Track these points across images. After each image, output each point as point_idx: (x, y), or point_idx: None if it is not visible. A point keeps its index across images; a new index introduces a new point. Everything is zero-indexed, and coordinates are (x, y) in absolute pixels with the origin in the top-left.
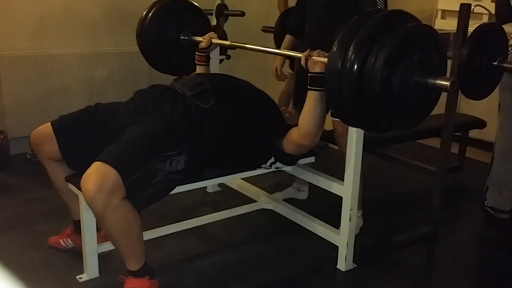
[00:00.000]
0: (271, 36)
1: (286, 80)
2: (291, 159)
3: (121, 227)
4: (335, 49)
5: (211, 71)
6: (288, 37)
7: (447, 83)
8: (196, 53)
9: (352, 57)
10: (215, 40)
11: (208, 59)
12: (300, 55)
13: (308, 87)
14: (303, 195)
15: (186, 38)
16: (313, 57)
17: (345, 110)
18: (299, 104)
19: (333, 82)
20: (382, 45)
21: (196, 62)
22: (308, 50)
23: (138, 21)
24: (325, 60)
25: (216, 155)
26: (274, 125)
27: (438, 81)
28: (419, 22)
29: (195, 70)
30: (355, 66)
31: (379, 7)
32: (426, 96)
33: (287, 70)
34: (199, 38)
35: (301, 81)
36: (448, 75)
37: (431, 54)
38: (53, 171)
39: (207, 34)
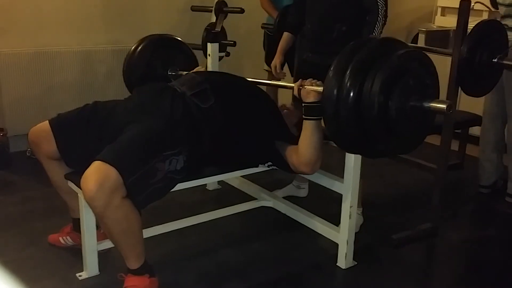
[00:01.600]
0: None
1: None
2: (288, 170)
3: (121, 226)
4: (330, 78)
5: (211, 69)
6: (286, 34)
7: (443, 106)
8: None
9: (348, 85)
10: None
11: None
12: (293, 85)
13: (304, 116)
14: (303, 192)
15: (173, 73)
16: (305, 87)
17: (343, 136)
18: (298, 101)
19: (330, 109)
20: (376, 72)
21: None
22: (300, 80)
23: (125, 58)
24: (318, 88)
25: (215, 154)
26: (272, 123)
27: (433, 104)
28: (409, 48)
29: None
30: (352, 93)
31: (379, 4)
32: (422, 120)
33: (264, 67)
34: (189, 73)
35: (301, 78)
36: (448, 72)
37: (424, 78)
38: (51, 170)
39: (196, 69)
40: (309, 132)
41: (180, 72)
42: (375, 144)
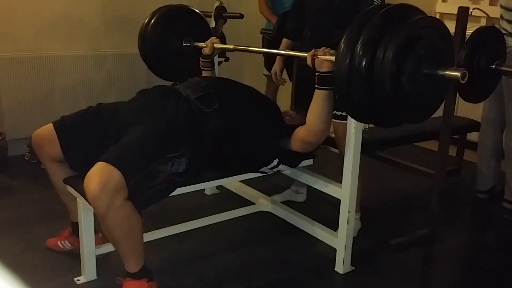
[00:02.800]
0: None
1: (267, 82)
2: (294, 160)
3: (123, 228)
4: (342, 48)
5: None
6: (285, 41)
7: (458, 74)
8: (201, 59)
9: (360, 54)
10: (217, 45)
11: (213, 64)
12: (306, 55)
13: (316, 86)
14: (301, 197)
15: (188, 44)
16: (319, 56)
17: (355, 108)
18: (299, 105)
19: (342, 81)
20: (389, 41)
21: (201, 68)
22: (313, 49)
23: (140, 30)
24: (332, 58)
25: (218, 159)
26: (276, 130)
27: (448, 72)
28: (424, 15)
29: (199, 75)
30: (364, 63)
31: (375, 1)
32: (436, 88)
33: (264, 72)
34: (201, 44)
35: (301, 82)
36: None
37: (439, 45)
38: (54, 172)
39: (209, 40)
40: (320, 101)
41: (195, 44)
42: (387, 113)
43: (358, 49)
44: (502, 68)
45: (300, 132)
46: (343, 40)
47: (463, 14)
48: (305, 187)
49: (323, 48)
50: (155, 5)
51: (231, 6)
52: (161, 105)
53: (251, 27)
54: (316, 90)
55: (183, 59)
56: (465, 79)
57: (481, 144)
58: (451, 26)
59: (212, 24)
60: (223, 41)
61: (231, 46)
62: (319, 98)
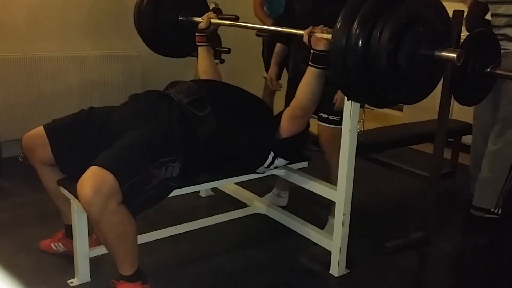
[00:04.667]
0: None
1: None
2: (289, 151)
3: (116, 232)
4: (339, 26)
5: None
6: (279, 46)
7: (454, 55)
8: (196, 34)
9: (357, 32)
10: (214, 20)
11: (208, 39)
12: (302, 32)
13: (310, 63)
14: (283, 201)
15: (184, 19)
16: (316, 34)
17: (351, 86)
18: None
19: (338, 59)
20: (387, 20)
21: (197, 43)
22: (311, 26)
23: (135, 4)
24: (329, 36)
25: (212, 162)
26: (268, 125)
27: (444, 53)
28: None
29: (196, 51)
30: (360, 42)
31: None
32: (432, 69)
33: (263, 74)
34: (198, 19)
35: (294, 86)
36: (441, 81)
37: (436, 26)
38: (45, 175)
39: (206, 14)
40: (311, 79)
41: (191, 18)
42: (383, 93)
43: (356, 25)
44: (497, 71)
45: (287, 111)
46: (340, 16)
47: (457, 18)
48: (287, 191)
49: (321, 26)
50: None
51: (226, 8)
52: (154, 110)
53: (247, 29)
54: (309, 67)
55: (180, 34)
56: (461, 60)
57: (473, 151)
58: None
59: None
60: (219, 43)
61: (228, 22)
62: (311, 75)
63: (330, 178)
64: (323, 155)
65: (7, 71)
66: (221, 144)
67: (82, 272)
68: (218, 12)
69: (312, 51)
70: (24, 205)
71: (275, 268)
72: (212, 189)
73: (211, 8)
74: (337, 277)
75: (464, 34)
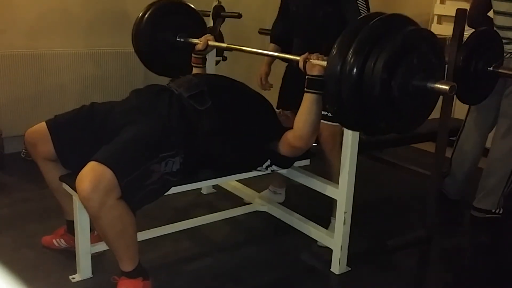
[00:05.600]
0: (268, 38)
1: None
2: (286, 162)
3: (115, 227)
4: (334, 53)
5: (210, 67)
6: (272, 46)
7: (446, 87)
8: (193, 55)
9: (352, 60)
10: (211, 42)
11: (204, 61)
12: (298, 58)
13: (305, 89)
14: (280, 198)
15: (182, 40)
16: (311, 60)
17: (344, 113)
18: (283, 106)
19: (332, 86)
20: (382, 49)
21: (192, 64)
22: (306, 53)
23: (134, 22)
24: (324, 63)
25: (212, 157)
26: (270, 128)
27: (437, 85)
28: (418, 26)
29: (191, 72)
30: (355, 70)
31: (361, 12)
32: (424, 100)
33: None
34: (195, 40)
35: (287, 84)
36: (445, 77)
37: (430, 58)
38: (47, 171)
39: (204, 36)
40: (308, 104)
41: (189, 39)
42: (376, 121)
43: (351, 54)
44: (500, 70)
45: (288, 137)
46: (336, 44)
47: (461, 16)
48: (283, 188)
49: (316, 53)
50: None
51: (229, 5)
52: (154, 104)
53: (250, 27)
54: (305, 94)
55: (177, 54)
56: (453, 92)
57: (461, 150)
58: (449, 28)
59: (210, 23)
60: (221, 40)
61: (225, 45)
62: (307, 102)
63: (331, 176)
64: (322, 153)
65: (10, 67)
66: (221, 139)
67: (84, 268)
68: (221, 9)
69: (307, 76)
70: (26, 201)
71: (276, 265)
72: (214, 186)
73: (213, 5)
74: (338, 275)
75: (467, 33)
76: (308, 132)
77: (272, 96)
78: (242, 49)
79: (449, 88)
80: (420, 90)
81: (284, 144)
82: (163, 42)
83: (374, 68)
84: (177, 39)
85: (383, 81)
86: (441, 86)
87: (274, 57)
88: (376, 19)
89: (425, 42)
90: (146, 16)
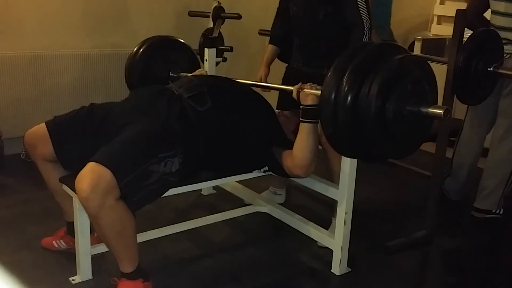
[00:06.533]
0: (268, 39)
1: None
2: (284, 174)
3: (115, 228)
4: (328, 81)
5: (208, 74)
6: (270, 47)
7: (440, 112)
8: None
9: (346, 88)
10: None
11: None
12: (292, 88)
13: (301, 119)
14: (280, 199)
15: (175, 75)
16: (305, 90)
17: (340, 140)
18: (282, 107)
19: (327, 113)
20: (375, 76)
21: None
22: (300, 83)
23: (127, 61)
24: (317, 92)
25: (211, 158)
26: (270, 130)
27: (431, 110)
28: (408, 53)
29: None
30: (349, 97)
31: (363, 18)
32: (419, 124)
33: None
34: (188, 75)
35: (286, 84)
36: (444, 80)
37: (422, 83)
38: (47, 172)
39: (197, 71)
40: (305, 134)
41: (182, 74)
42: (371, 148)
43: (344, 82)
44: (500, 70)
45: (289, 162)
46: (329, 73)
47: (461, 17)
48: (284, 189)
49: (310, 83)
50: (154, 6)
51: (229, 6)
52: (154, 104)
53: (249, 28)
54: (300, 124)
55: None
56: (448, 116)
57: (461, 151)
58: (448, 28)
59: (210, 24)
60: (221, 42)
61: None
62: (303, 131)
63: (332, 176)
64: (325, 154)
65: (10, 69)
66: (221, 140)
67: (84, 270)
68: (220, 10)
69: (301, 107)
70: (26, 202)
71: (277, 266)
72: (214, 187)
73: (213, 6)
74: (338, 275)
75: (467, 33)
76: (306, 160)
77: (271, 97)
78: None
79: (443, 112)
80: (414, 115)
81: (285, 166)
82: (155, 78)
83: (368, 95)
84: (170, 75)
85: (378, 107)
86: (435, 111)
87: (269, 88)
88: (368, 47)
89: (416, 68)
90: (140, 52)
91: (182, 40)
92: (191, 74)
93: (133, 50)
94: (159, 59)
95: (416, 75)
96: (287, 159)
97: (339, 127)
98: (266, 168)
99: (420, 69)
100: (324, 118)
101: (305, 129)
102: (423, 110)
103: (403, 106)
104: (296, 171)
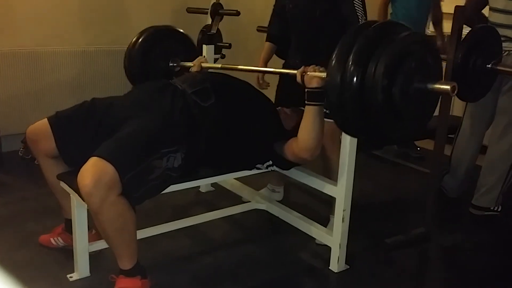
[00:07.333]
0: (265, 36)
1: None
2: (287, 165)
3: (116, 224)
4: (333, 63)
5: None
6: (267, 44)
7: (448, 87)
8: None
9: (351, 69)
10: (205, 64)
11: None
12: (295, 72)
13: (306, 102)
14: (278, 196)
15: (175, 64)
16: (308, 73)
17: (347, 122)
18: (281, 104)
19: (333, 96)
20: (380, 56)
21: None
22: (303, 66)
23: (125, 53)
24: (321, 74)
25: (213, 153)
26: (272, 127)
27: (438, 86)
28: (412, 31)
29: None
30: (355, 78)
31: (358, 14)
32: (426, 102)
33: None
34: (188, 64)
35: (284, 81)
36: (443, 77)
37: (427, 60)
38: (48, 168)
39: (197, 59)
40: (311, 117)
41: (182, 63)
42: (379, 128)
43: (350, 63)
44: (498, 67)
45: (293, 147)
46: (334, 54)
47: (459, 14)
48: (282, 186)
49: (313, 65)
50: (152, 2)
51: (227, 3)
52: (157, 99)
53: (248, 24)
54: (306, 107)
55: (170, 79)
56: (455, 92)
57: (459, 149)
58: (447, 25)
59: (208, 21)
60: (219, 38)
61: (219, 65)
62: (309, 114)
63: (330, 173)
64: (322, 151)
65: (8, 66)
66: (223, 136)
67: (82, 267)
68: (219, 7)
69: (306, 90)
70: (24, 199)
71: (275, 263)
72: (213, 184)
73: (211, 3)
74: (336, 272)
75: (466, 30)
76: (313, 143)
77: (270, 96)
78: (236, 68)
79: (451, 88)
80: (421, 92)
81: (289, 152)
82: (155, 69)
83: (375, 75)
84: (170, 65)
85: (384, 87)
86: (442, 86)
87: (271, 73)
88: (371, 27)
89: (420, 45)
90: (138, 42)
91: (180, 29)
92: (191, 63)
93: (131, 41)
94: (158, 50)
95: (421, 52)
96: (291, 145)
97: (346, 109)
98: (270, 163)
99: (425, 46)
100: (330, 100)
101: (311, 112)
102: (430, 86)
103: (410, 84)
104: (302, 154)
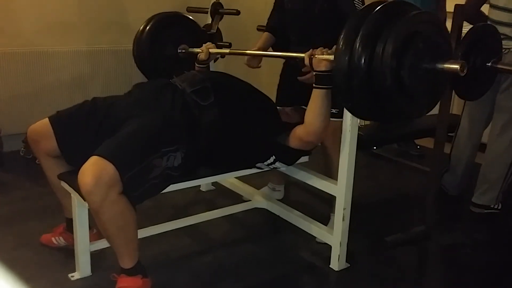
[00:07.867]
0: None
1: None
2: (291, 158)
3: (117, 222)
4: (341, 46)
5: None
6: (266, 34)
7: (457, 66)
8: (196, 64)
9: (359, 51)
10: (213, 50)
11: (208, 69)
12: (303, 55)
13: (314, 85)
14: (279, 195)
15: (183, 51)
16: (316, 56)
17: (356, 105)
18: (282, 103)
19: (341, 79)
20: (388, 37)
21: None
22: (311, 49)
23: (133, 40)
24: (330, 57)
25: (213, 153)
26: (272, 126)
27: (447, 65)
28: (419, 10)
29: None
30: (363, 60)
31: (356, 7)
32: (435, 82)
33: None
34: (196, 50)
35: (285, 80)
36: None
37: (436, 39)
38: (49, 168)
39: (205, 45)
40: (319, 101)
41: (190, 49)
42: (387, 108)
43: (357, 45)
44: (498, 66)
45: (299, 131)
46: (341, 37)
47: (459, 12)
48: (282, 185)
49: (321, 48)
50: (152, 2)
51: (227, 2)
52: (157, 98)
53: (248, 24)
54: (314, 90)
55: (179, 66)
56: (464, 71)
57: (458, 147)
58: (447, 24)
59: (208, 20)
60: (219, 38)
61: (227, 51)
62: (317, 97)
63: (330, 172)
64: (324, 149)
65: (9, 66)
66: (223, 135)
67: (83, 266)
68: (219, 6)
69: (314, 73)
70: (25, 199)
71: (275, 262)
72: (213, 183)
73: (211, 2)
74: (337, 271)
75: (465, 28)
76: (320, 126)
77: (271, 95)
78: (245, 52)
79: (460, 67)
80: (430, 72)
81: (295, 139)
82: (164, 55)
83: (383, 57)
84: (178, 51)
85: (393, 68)
86: (451, 66)
87: (279, 57)
88: (378, 7)
89: (428, 24)
90: (145, 31)
91: (187, 15)
92: (199, 49)
93: (139, 29)
94: (166, 37)
95: (429, 31)
96: (297, 131)
97: (354, 92)
98: (271, 160)
99: (433, 25)
100: (339, 85)
101: (319, 95)
102: (439, 66)
103: (419, 64)
104: (309, 137)
